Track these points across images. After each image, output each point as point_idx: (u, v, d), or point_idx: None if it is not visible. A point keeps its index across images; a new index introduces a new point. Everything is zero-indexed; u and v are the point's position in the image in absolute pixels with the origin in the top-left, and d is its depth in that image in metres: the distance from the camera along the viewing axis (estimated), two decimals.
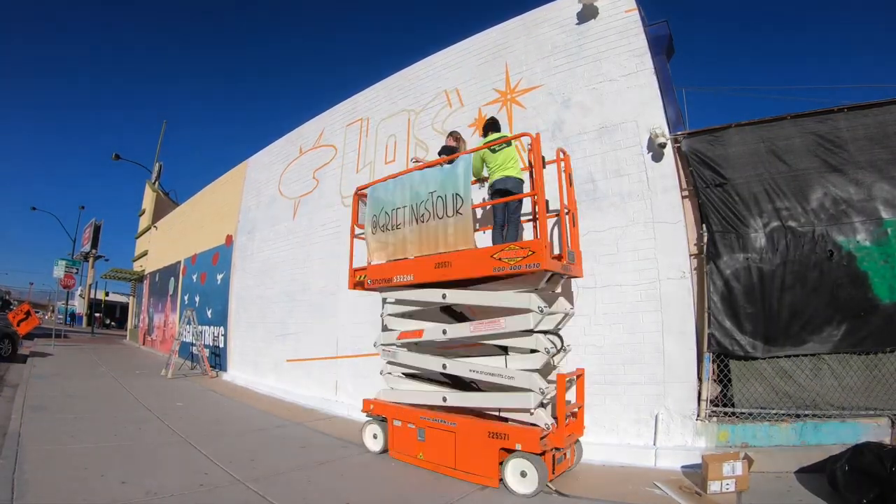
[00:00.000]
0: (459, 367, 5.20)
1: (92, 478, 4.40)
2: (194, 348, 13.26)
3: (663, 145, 5.71)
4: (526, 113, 7.02)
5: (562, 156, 5.53)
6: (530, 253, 4.58)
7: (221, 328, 13.06)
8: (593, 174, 6.24)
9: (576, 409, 5.16)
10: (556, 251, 5.53)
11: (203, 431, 6.42)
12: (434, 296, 5.40)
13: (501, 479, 4.59)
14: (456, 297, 5.27)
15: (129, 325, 25.52)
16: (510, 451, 4.57)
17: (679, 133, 5.92)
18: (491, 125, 6.05)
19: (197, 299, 15.01)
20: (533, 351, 4.78)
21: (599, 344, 5.83)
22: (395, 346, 5.78)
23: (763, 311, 5.18)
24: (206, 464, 5.06)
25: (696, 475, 4.71)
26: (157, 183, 25.51)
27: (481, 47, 7.77)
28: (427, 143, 8.14)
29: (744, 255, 5.34)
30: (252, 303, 11.78)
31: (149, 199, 24.98)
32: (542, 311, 4.71)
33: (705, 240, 5.51)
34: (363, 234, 6.31)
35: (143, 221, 24.63)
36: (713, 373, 5.30)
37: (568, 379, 5.00)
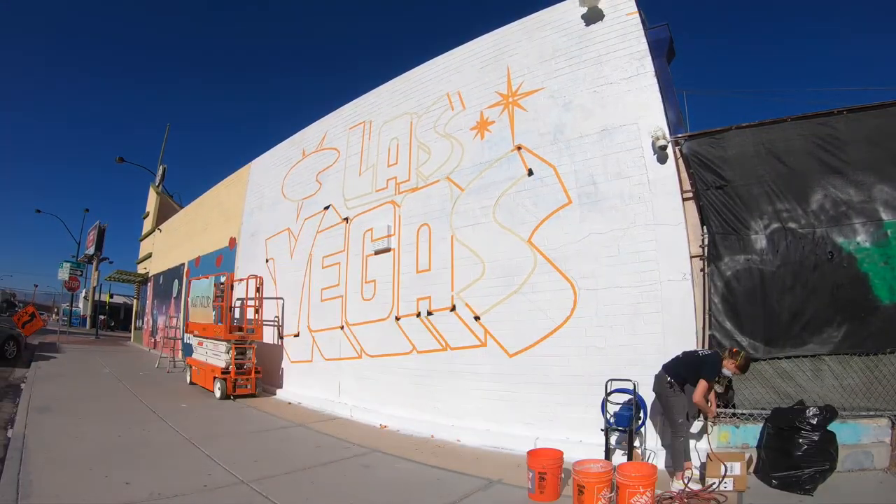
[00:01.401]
0: (210, 353, 10.44)
1: (96, 478, 4.45)
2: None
3: (664, 147, 5.74)
4: (527, 115, 7.06)
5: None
6: (220, 331, 10.01)
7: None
8: (594, 176, 6.27)
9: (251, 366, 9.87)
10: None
11: (205, 433, 6.45)
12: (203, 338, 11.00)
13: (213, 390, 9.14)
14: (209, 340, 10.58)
15: (133, 327, 25.60)
16: (215, 377, 9.49)
17: (680, 135, 5.95)
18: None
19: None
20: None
21: (601, 345, 5.85)
22: (195, 346, 11.24)
23: (763, 313, 5.19)
24: (209, 464, 5.10)
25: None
26: (160, 186, 25.58)
27: (483, 50, 7.82)
28: (429, 145, 8.19)
29: (744, 257, 5.36)
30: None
31: (153, 201, 25.08)
32: (227, 346, 9.70)
33: (706, 241, 5.53)
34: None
35: (147, 224, 24.73)
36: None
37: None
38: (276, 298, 10.94)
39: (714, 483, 4.27)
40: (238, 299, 10.83)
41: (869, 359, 4.84)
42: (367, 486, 4.71)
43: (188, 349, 14.85)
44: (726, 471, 4.32)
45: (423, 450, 6.08)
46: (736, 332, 5.25)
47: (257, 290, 10.87)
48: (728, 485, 4.30)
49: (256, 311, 10.72)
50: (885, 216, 4.91)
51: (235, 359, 9.60)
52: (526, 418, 6.24)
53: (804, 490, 4.21)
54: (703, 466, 4.55)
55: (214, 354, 10.14)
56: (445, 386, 7.18)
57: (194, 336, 11.57)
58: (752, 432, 4.95)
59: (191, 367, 11.17)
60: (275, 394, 10.15)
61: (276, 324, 10.92)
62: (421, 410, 7.38)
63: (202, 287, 11.35)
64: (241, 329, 10.11)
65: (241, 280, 11.24)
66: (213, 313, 10.36)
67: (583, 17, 6.71)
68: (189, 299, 12.05)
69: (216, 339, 10.18)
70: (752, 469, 4.50)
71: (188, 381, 11.04)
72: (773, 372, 5.11)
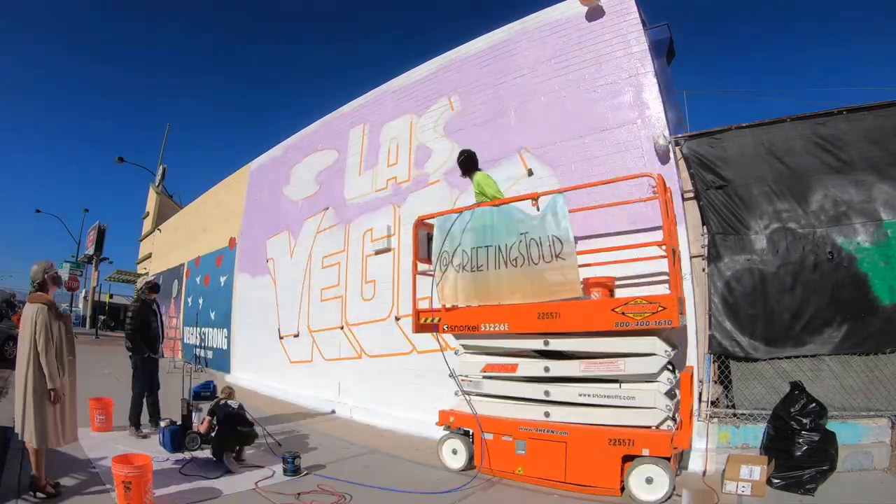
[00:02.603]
0: (566, 393, 4.74)
1: None
2: (198, 350, 13.33)
3: (664, 147, 5.74)
4: (527, 115, 7.06)
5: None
6: (660, 308, 4.18)
7: (225, 330, 13.12)
8: (594, 176, 6.26)
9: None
10: None
11: None
12: (534, 344, 4.98)
13: (623, 488, 4.32)
14: (564, 344, 4.81)
15: None
16: (633, 458, 4.26)
17: (680, 135, 5.94)
18: (470, 161, 5.94)
19: (201, 301, 15.08)
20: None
21: None
22: (478, 377, 5.35)
23: (764, 313, 5.19)
24: None
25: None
26: (160, 186, 25.59)
27: (483, 50, 7.82)
28: (429, 146, 8.19)
29: (744, 257, 5.36)
30: (255, 305, 11.84)
31: (152, 201, 25.08)
32: (668, 354, 4.44)
33: (706, 241, 5.53)
34: (430, 270, 5.77)
35: (147, 224, 24.72)
36: (714, 374, 5.31)
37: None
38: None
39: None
40: None
41: (869, 359, 4.83)
42: (368, 486, 4.71)
43: (188, 350, 14.79)
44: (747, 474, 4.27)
45: (423, 449, 6.08)
46: (736, 332, 5.24)
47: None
48: (746, 489, 4.25)
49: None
50: (885, 216, 4.90)
51: None
52: None
53: (805, 490, 4.21)
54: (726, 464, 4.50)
55: (603, 396, 4.60)
56: (446, 386, 7.15)
57: (467, 340, 5.56)
58: (752, 432, 4.95)
59: (468, 433, 5.37)
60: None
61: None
62: (421, 410, 7.35)
63: (502, 220, 5.19)
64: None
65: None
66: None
67: (582, 16, 6.70)
68: (439, 258, 5.56)
69: (605, 339, 4.62)
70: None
71: (456, 464, 5.33)
72: (773, 372, 5.10)
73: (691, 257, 5.56)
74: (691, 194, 5.76)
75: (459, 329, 5.42)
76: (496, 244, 5.10)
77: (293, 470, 4.89)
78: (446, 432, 5.48)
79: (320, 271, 9.85)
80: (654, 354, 4.36)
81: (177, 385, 6.57)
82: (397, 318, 8.08)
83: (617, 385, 4.54)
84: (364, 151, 9.46)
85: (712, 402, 5.24)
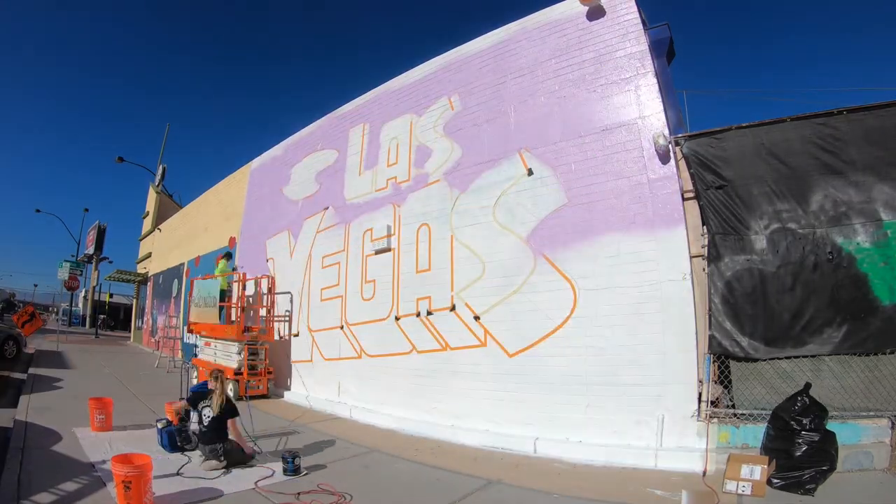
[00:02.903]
0: (220, 354, 10.41)
1: None
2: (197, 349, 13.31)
3: (664, 147, 5.74)
4: (527, 115, 7.06)
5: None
6: (232, 332, 9.92)
7: None
8: (594, 176, 6.27)
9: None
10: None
11: None
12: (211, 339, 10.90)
13: None
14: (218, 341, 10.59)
15: (133, 326, 25.60)
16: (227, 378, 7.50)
17: (680, 135, 5.95)
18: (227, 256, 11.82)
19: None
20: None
21: (601, 345, 5.85)
22: (202, 347, 11.49)
23: (764, 313, 5.19)
24: None
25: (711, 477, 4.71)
26: (160, 185, 25.57)
27: (483, 50, 7.82)
28: (429, 145, 8.18)
29: (744, 257, 5.36)
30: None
31: (152, 201, 25.07)
32: (239, 346, 9.70)
33: (706, 242, 5.53)
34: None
35: (147, 224, 24.72)
36: (714, 374, 5.31)
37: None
38: (285, 293, 10.80)
39: None
40: (248, 296, 11.28)
41: (869, 359, 4.83)
42: (366, 486, 4.71)
43: (189, 349, 14.87)
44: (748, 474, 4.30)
45: (423, 450, 6.08)
46: (736, 332, 5.24)
47: (269, 289, 10.99)
48: (746, 489, 4.25)
49: (268, 311, 10.81)
50: (885, 216, 4.90)
51: (248, 360, 9.60)
52: (526, 418, 6.23)
53: (805, 490, 4.21)
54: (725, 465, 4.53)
55: (225, 356, 10.03)
56: (445, 386, 7.17)
57: (201, 336, 11.42)
58: (752, 432, 4.95)
59: (198, 367, 10.82)
60: (282, 396, 9.97)
61: (285, 319, 10.72)
62: (420, 410, 7.37)
63: (207, 286, 11.34)
64: (250, 329, 10.04)
65: (251, 279, 11.34)
66: (221, 313, 10.70)
67: (583, 16, 6.71)
68: (192, 298, 11.91)
69: (227, 340, 10.10)
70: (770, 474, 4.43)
71: (195, 382, 10.27)
72: (774, 372, 5.10)
73: (691, 257, 5.56)
74: (691, 194, 5.76)
75: (198, 332, 11.50)
76: (202, 295, 11.34)
77: (293, 470, 4.88)
78: (193, 365, 11.03)
79: (320, 271, 9.84)
80: (236, 344, 9.81)
81: (175, 385, 6.57)
82: (397, 318, 8.08)
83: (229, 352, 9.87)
84: (364, 151, 9.46)
85: (712, 402, 5.24)
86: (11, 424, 6.18)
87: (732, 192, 5.50)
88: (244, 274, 11.24)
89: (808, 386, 4.64)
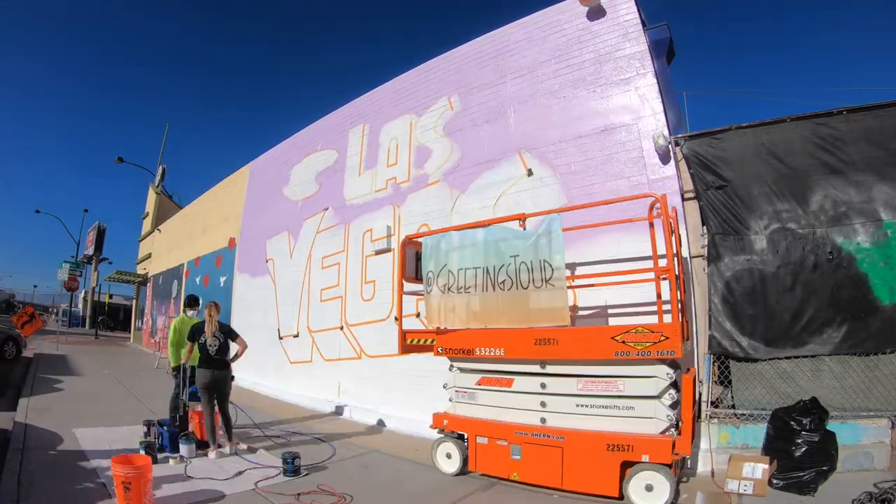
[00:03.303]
0: (562, 404, 4.66)
1: None
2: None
3: (664, 148, 5.74)
4: (527, 115, 7.06)
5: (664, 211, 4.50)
6: (663, 338, 4.07)
7: None
8: (594, 176, 6.27)
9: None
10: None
11: None
12: (530, 369, 4.85)
13: (621, 496, 4.20)
14: (562, 370, 4.69)
15: (133, 327, 25.59)
16: (632, 464, 4.14)
17: (680, 135, 5.95)
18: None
19: (200, 302, 15.05)
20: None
21: None
22: (473, 388, 5.25)
23: (764, 313, 5.19)
24: None
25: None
26: (160, 186, 25.55)
27: (483, 50, 7.82)
28: (429, 146, 8.18)
29: (744, 257, 5.36)
30: (255, 305, 11.83)
31: (152, 202, 25.06)
32: (669, 377, 4.24)
33: (706, 242, 5.53)
34: (420, 290, 5.84)
35: (147, 224, 24.70)
36: (714, 374, 5.31)
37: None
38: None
39: None
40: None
41: (869, 359, 4.83)
42: (367, 487, 4.71)
43: None
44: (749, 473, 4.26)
45: (423, 449, 6.07)
46: (736, 332, 5.25)
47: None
48: (748, 488, 4.25)
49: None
50: (885, 216, 4.90)
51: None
52: None
53: (805, 491, 4.21)
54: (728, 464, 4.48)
55: (602, 406, 4.51)
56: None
57: (463, 363, 5.36)
58: (752, 432, 4.95)
59: (462, 436, 5.28)
60: None
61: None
62: (420, 411, 7.35)
63: (494, 243, 5.05)
64: None
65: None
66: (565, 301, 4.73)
67: (582, 16, 6.71)
68: (426, 277, 5.53)
69: (606, 366, 4.47)
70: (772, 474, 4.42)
71: (451, 468, 5.22)
72: (774, 372, 5.11)
73: (692, 257, 5.56)
74: (692, 194, 5.76)
75: (454, 352, 5.32)
76: (484, 266, 5.01)
77: (293, 470, 4.88)
78: (440, 435, 5.38)
79: (320, 271, 9.84)
80: (655, 377, 4.26)
81: (173, 385, 6.56)
82: (397, 319, 8.07)
83: (616, 396, 4.43)
84: (364, 152, 9.46)
85: (712, 403, 5.24)
86: (11, 425, 6.17)
87: (732, 193, 5.50)
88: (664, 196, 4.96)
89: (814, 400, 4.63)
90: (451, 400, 5.44)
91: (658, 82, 6.08)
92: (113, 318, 36.76)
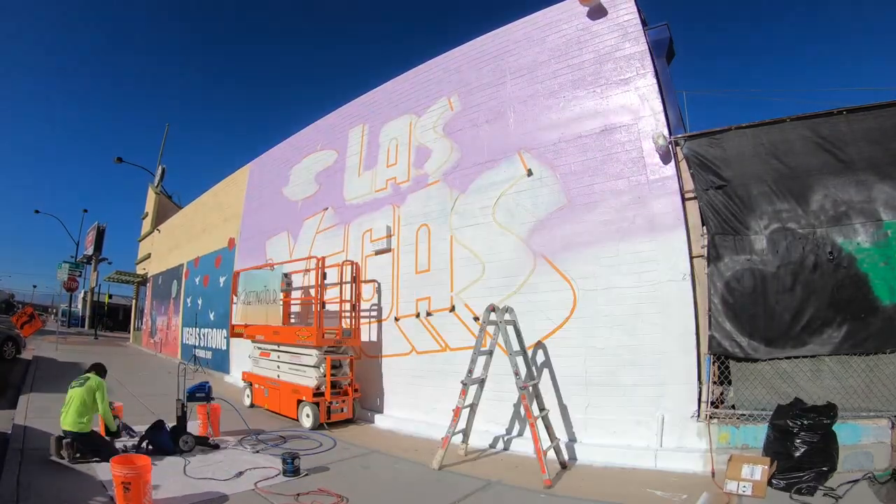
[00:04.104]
0: (283, 367, 8.42)
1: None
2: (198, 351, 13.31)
3: (664, 148, 5.74)
4: (527, 115, 7.05)
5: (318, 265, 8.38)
6: (310, 335, 7.67)
7: (224, 330, 13.09)
8: (594, 176, 6.27)
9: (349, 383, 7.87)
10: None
11: None
12: (273, 347, 8.81)
13: (298, 418, 7.53)
14: (285, 349, 8.48)
15: (132, 327, 25.58)
16: (301, 401, 7.50)
17: (679, 135, 5.94)
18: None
19: (200, 302, 15.07)
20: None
21: (601, 346, 5.84)
22: (256, 358, 9.21)
23: (764, 313, 5.19)
24: None
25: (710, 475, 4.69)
26: (159, 186, 25.55)
27: (483, 50, 7.82)
28: (428, 146, 8.18)
29: (744, 257, 5.35)
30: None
31: (151, 202, 25.04)
32: (320, 355, 7.61)
33: (706, 242, 5.52)
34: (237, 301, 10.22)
35: (147, 225, 24.69)
36: (714, 374, 5.31)
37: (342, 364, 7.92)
38: (371, 282, 8.68)
39: None
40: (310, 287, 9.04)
41: (869, 359, 4.82)
42: (367, 487, 4.70)
43: (187, 351, 14.85)
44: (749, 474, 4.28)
45: (423, 450, 6.07)
46: (736, 332, 5.24)
47: (354, 278, 8.60)
48: (747, 489, 4.25)
49: (353, 308, 8.43)
50: (885, 216, 4.90)
51: (330, 374, 7.45)
52: (525, 419, 6.22)
53: (805, 491, 4.20)
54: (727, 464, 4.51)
55: (296, 370, 7.98)
56: (445, 386, 7.15)
57: (255, 343, 9.22)
58: (752, 433, 4.94)
59: (251, 384, 9.05)
60: (373, 421, 7.88)
61: (370, 316, 8.62)
62: (420, 411, 7.37)
63: (259, 279, 9.56)
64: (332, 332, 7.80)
65: (331, 267, 8.73)
66: (280, 312, 9.20)
67: (582, 17, 6.71)
68: (238, 294, 9.99)
69: (297, 348, 7.98)
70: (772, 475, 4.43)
71: (247, 402, 8.92)
72: (773, 372, 5.10)
73: (692, 257, 5.55)
74: (692, 194, 5.76)
75: (251, 337, 9.34)
76: (255, 290, 9.62)
77: (293, 471, 4.87)
78: (245, 383, 9.27)
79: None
80: (313, 355, 7.70)
81: (173, 385, 6.55)
82: (396, 319, 8.08)
83: (299, 364, 7.98)
84: (363, 152, 9.45)
85: (712, 403, 5.24)
86: (10, 426, 6.16)
87: (732, 193, 5.50)
88: (323, 259, 8.44)
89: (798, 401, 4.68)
90: (249, 356, 9.53)
91: (658, 82, 6.08)
92: (112, 319, 36.75)
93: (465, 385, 5.59)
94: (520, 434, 6.30)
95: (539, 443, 4.96)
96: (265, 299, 9.31)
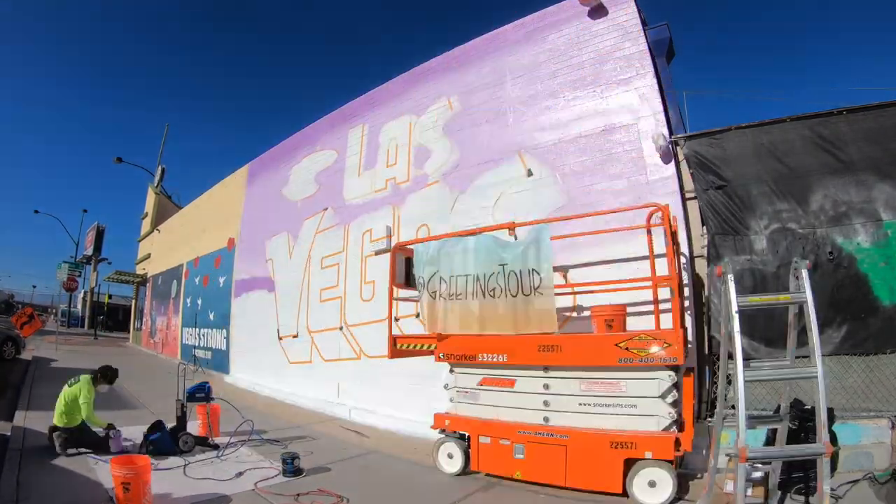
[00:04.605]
0: (565, 403, 4.76)
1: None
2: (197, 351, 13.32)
3: (664, 148, 5.73)
4: (526, 115, 7.05)
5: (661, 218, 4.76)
6: (666, 345, 4.21)
7: (223, 331, 13.10)
8: (594, 176, 6.26)
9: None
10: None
11: None
12: (534, 374, 4.97)
13: (625, 491, 4.29)
14: (565, 374, 4.80)
15: (132, 327, 25.56)
16: (635, 461, 4.26)
17: (679, 135, 5.94)
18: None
19: (199, 302, 15.06)
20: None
21: None
22: (475, 389, 5.30)
23: (763, 313, 5.18)
24: None
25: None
26: (159, 186, 25.53)
27: (483, 50, 7.81)
28: (428, 146, 8.18)
29: (744, 257, 5.35)
30: (254, 306, 11.82)
31: (151, 202, 25.03)
32: (671, 379, 4.37)
33: (706, 242, 5.52)
34: (412, 296, 6.17)
35: (146, 225, 24.67)
36: (713, 375, 5.30)
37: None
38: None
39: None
40: None
41: (869, 359, 4.82)
42: (367, 487, 4.70)
43: (187, 351, 14.82)
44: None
45: (422, 450, 6.07)
46: None
47: (674, 232, 5.08)
48: (747, 489, 4.23)
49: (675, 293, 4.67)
50: (885, 216, 4.89)
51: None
52: None
53: (805, 491, 4.20)
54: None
55: (605, 405, 4.61)
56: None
57: (461, 367, 5.45)
58: (751, 433, 4.90)
59: (465, 436, 5.27)
60: None
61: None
62: (420, 411, 7.35)
63: (492, 251, 5.19)
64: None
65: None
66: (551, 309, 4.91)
67: (583, 17, 6.71)
68: (419, 283, 5.70)
69: (609, 371, 4.59)
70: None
71: (453, 468, 5.23)
72: None
73: (693, 257, 5.55)
74: (692, 194, 5.75)
75: (456, 358, 5.40)
76: (475, 274, 5.15)
77: (293, 471, 4.87)
78: (441, 435, 5.41)
79: (319, 272, 9.83)
80: (657, 379, 4.38)
81: (173, 385, 6.55)
82: (397, 319, 8.06)
83: (618, 396, 4.55)
84: (363, 152, 9.45)
85: (712, 403, 5.23)
86: (10, 426, 6.16)
87: (732, 193, 5.50)
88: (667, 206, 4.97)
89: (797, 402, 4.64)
90: (451, 400, 5.47)
91: (658, 82, 6.07)
92: (112, 319, 36.72)
93: None
94: None
95: None
96: (509, 289, 4.98)
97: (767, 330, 5.13)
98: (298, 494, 4.34)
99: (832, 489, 4.15)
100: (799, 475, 4.30)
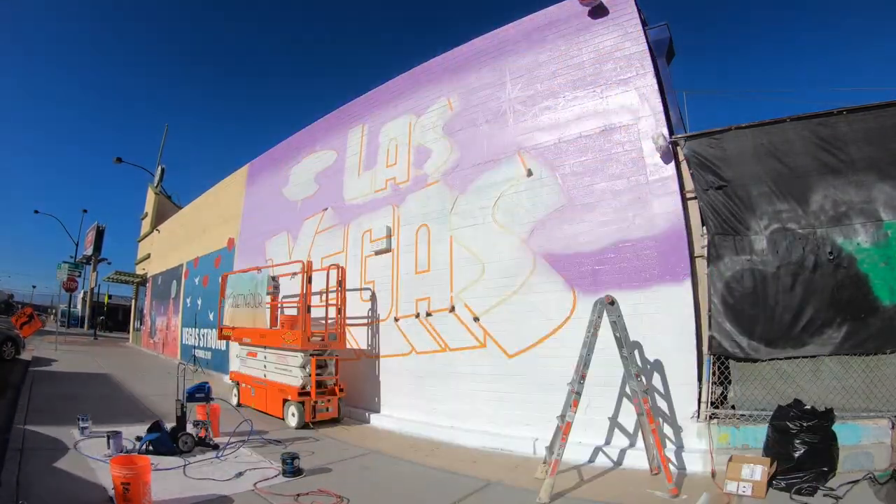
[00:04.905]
0: (269, 367, 8.51)
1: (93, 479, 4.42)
2: (197, 351, 13.28)
3: (664, 148, 5.73)
4: (526, 115, 7.05)
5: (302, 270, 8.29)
6: (295, 339, 7.71)
7: None
8: (594, 176, 6.26)
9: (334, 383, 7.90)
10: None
11: None
12: (260, 350, 8.89)
13: (283, 417, 7.57)
14: (270, 351, 8.57)
15: (132, 327, 25.56)
16: (287, 400, 7.56)
17: (679, 136, 5.93)
18: None
19: (199, 302, 15.06)
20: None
21: (600, 346, 5.80)
22: (243, 357, 9.38)
23: (763, 313, 5.18)
24: None
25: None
26: (159, 186, 25.53)
27: (482, 50, 7.81)
28: (428, 146, 8.18)
29: (744, 258, 5.35)
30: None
31: (151, 202, 25.02)
32: (306, 356, 7.61)
33: (706, 242, 5.52)
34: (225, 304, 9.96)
35: (146, 225, 24.67)
36: (713, 375, 5.30)
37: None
38: (362, 289, 8.88)
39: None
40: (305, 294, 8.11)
41: (869, 359, 4.82)
42: (367, 488, 4.70)
43: (187, 351, 14.86)
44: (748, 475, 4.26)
45: (422, 450, 6.07)
46: (736, 333, 5.24)
47: (339, 282, 8.34)
48: (747, 489, 4.24)
49: (339, 311, 8.29)
50: (885, 216, 4.89)
51: (315, 374, 7.51)
52: (525, 419, 6.22)
53: (805, 492, 4.20)
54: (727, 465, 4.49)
55: (281, 370, 8.13)
56: (444, 387, 7.16)
57: (242, 345, 9.38)
58: (751, 433, 4.94)
59: (238, 384, 9.19)
60: (369, 421, 7.94)
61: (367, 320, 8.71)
62: (420, 411, 7.36)
63: (246, 282, 9.33)
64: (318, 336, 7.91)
65: (318, 270, 8.76)
66: (267, 315, 8.87)
67: (582, 16, 6.71)
68: (226, 298, 9.76)
69: (284, 350, 8.08)
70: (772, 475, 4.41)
71: (234, 402, 8.91)
72: (774, 373, 5.09)
73: (694, 257, 5.55)
74: (692, 194, 5.75)
75: (238, 339, 9.45)
76: (241, 292, 9.35)
77: (292, 471, 4.87)
78: (232, 382, 9.46)
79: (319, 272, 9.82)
80: (298, 356, 7.70)
81: (173, 386, 6.55)
82: (396, 319, 8.07)
83: (287, 365, 8.01)
84: (363, 152, 9.45)
85: (712, 403, 5.23)
86: (10, 426, 6.15)
87: (732, 193, 5.50)
88: (310, 263, 8.41)
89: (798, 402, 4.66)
90: (238, 360, 9.59)
91: (658, 82, 6.08)
92: (112, 319, 36.74)
93: (577, 395, 4.60)
94: (631, 445, 5.56)
95: (663, 450, 4.65)
96: (252, 302, 8.99)
97: (768, 330, 5.14)
98: (298, 495, 4.33)
99: (832, 489, 4.16)
100: (799, 475, 4.29)
